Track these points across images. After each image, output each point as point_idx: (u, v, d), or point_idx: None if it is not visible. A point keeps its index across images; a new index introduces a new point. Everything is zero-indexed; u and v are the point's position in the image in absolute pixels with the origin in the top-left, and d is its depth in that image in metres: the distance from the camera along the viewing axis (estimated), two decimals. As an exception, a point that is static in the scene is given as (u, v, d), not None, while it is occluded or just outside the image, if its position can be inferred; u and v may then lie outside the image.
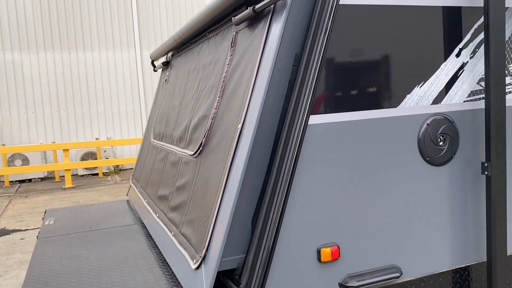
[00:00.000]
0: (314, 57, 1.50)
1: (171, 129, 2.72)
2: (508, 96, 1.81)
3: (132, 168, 14.63)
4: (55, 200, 10.11)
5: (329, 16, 1.50)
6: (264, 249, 1.48)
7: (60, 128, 13.85)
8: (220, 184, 1.60)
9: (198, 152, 1.98)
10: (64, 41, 13.79)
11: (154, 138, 3.16)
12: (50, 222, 3.00)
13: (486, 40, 1.67)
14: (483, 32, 1.74)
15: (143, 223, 2.89)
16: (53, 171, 13.70)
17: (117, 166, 14.21)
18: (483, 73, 1.75)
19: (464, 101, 1.73)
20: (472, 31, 1.74)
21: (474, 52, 1.75)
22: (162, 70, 3.76)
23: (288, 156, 1.49)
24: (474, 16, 1.74)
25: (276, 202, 1.48)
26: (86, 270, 2.03)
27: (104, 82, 14.23)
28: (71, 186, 11.77)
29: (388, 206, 1.63)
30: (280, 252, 1.49)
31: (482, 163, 1.72)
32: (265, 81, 1.51)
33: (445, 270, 1.74)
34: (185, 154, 2.19)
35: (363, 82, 1.58)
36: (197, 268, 1.58)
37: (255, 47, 1.67)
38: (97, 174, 13.79)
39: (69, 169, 11.77)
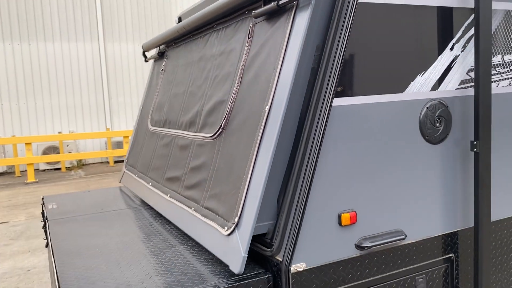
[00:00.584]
0: (337, 49, 1.72)
1: (176, 116, 2.85)
2: (493, 85, 2.10)
3: (96, 163, 14.39)
4: (19, 195, 9.86)
5: (349, 13, 1.72)
6: (294, 215, 1.68)
7: (19, 121, 13.41)
8: (249, 159, 1.78)
9: (217, 134, 2.15)
10: (24, 31, 13.34)
11: (153, 125, 3.27)
12: (54, 206, 3.06)
13: (475, 36, 1.95)
14: (472, 28, 2.02)
15: (146, 205, 3.01)
16: (13, 166, 13.26)
17: (80, 160, 13.94)
18: (473, 64, 2.03)
19: (456, 89, 2.01)
20: (463, 28, 2.01)
21: (464, 47, 2.02)
22: (155, 60, 3.86)
23: (315, 133, 1.70)
24: (464, 15, 2.01)
25: (305, 175, 1.69)
26: (112, 244, 2.16)
27: (66, 74, 13.89)
28: (34, 180, 11.47)
29: (395, 178, 1.88)
30: (308, 218, 1.70)
31: (471, 142, 2.00)
32: (292, 68, 1.71)
33: (439, 234, 2.01)
34: (199, 137, 2.35)
35: (376, 70, 1.81)
36: (230, 234, 1.76)
37: (278, 38, 1.86)
38: (59, 168, 13.48)
39: (32, 164, 11.47)
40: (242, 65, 2.09)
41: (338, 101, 1.73)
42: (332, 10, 1.78)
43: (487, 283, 2.05)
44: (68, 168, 13.54)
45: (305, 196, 1.68)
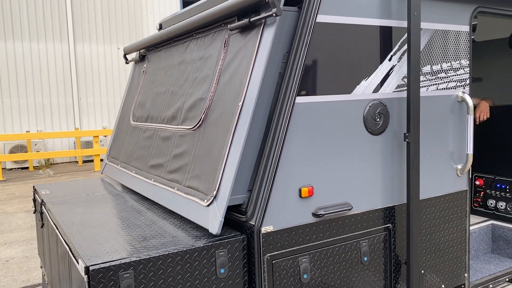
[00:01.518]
0: (299, 58, 2.18)
1: (158, 112, 3.24)
2: (423, 89, 2.62)
3: (64, 162, 14.40)
4: (-13, 192, 9.89)
5: (309, 30, 2.19)
6: (265, 189, 2.13)
7: (-14, 120, 13.30)
8: (225, 144, 2.20)
9: (197, 126, 2.57)
10: (-8, 29, 13.27)
11: (135, 121, 3.64)
12: (47, 192, 3.39)
13: (408, 50, 2.45)
14: (406, 44, 2.52)
15: (130, 191, 3.38)
16: (-22, 165, 13.13)
17: (48, 160, 13.94)
18: (406, 72, 2.54)
19: (393, 91, 2.50)
20: (399, 43, 2.51)
21: (400, 58, 2.52)
22: (136, 63, 4.23)
23: (282, 124, 2.15)
24: (400, 33, 2.52)
25: (273, 158, 2.14)
26: (109, 219, 2.54)
27: (35, 73, 13.87)
28: (2, 179, 11.46)
29: (344, 161, 2.35)
30: (275, 191, 2.15)
31: (404, 134, 2.51)
32: (261, 72, 2.15)
33: (379, 207, 2.49)
34: (181, 129, 2.75)
35: (330, 75, 2.28)
36: (209, 204, 2.18)
37: (249, 47, 2.30)
38: (27, 168, 13.44)
39: (0, 162, 11.45)
40: (219, 69, 2.52)
41: (299, 99, 2.19)
42: (295, 27, 2.25)
43: (416, 248, 2.56)
44: (36, 168, 13.52)
45: (273, 174, 2.13)
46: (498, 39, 4.06)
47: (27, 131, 13.66)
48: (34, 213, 3.67)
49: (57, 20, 14.10)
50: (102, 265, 1.81)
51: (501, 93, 4.23)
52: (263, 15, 2.17)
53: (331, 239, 2.32)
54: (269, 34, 2.18)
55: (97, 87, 14.84)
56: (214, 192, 2.16)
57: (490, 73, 4.35)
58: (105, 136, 14.47)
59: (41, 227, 3.23)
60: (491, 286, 3.13)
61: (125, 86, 15.29)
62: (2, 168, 13.21)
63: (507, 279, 3.24)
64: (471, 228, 3.58)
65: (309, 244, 2.25)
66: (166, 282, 1.94)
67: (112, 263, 1.83)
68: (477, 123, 3.84)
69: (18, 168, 13.41)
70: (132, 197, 3.13)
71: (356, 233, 2.41)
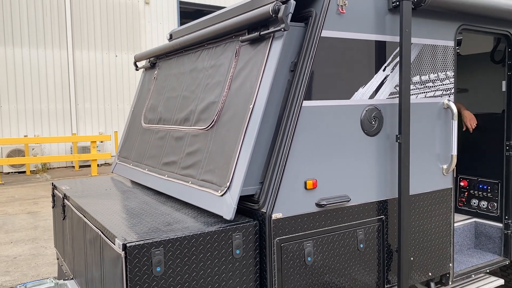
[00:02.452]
0: (305, 68, 2.50)
1: (170, 114, 3.53)
2: (413, 96, 2.96)
3: (61, 167, 14.56)
4: (-13, 195, 10.05)
5: (314, 43, 2.52)
6: (275, 181, 2.43)
7: (-16, 124, 13.46)
8: (238, 141, 2.50)
9: (210, 126, 2.86)
10: (-8, 35, 13.49)
11: (147, 123, 3.93)
12: (67, 188, 3.65)
13: (400, 62, 2.79)
14: (398, 57, 2.86)
15: (142, 187, 3.65)
16: (-24, 168, 13.26)
17: (45, 164, 14.10)
18: (398, 82, 2.87)
19: (387, 98, 2.83)
20: (392, 55, 2.85)
21: (393, 69, 2.86)
22: (146, 69, 4.53)
23: (290, 125, 2.46)
24: (393, 47, 2.86)
25: (282, 154, 2.45)
26: (131, 209, 2.82)
27: (34, 79, 14.09)
28: (0, 182, 11.62)
29: (344, 159, 2.67)
30: (284, 183, 2.45)
31: (396, 135, 2.83)
32: (269, 79, 2.46)
33: (374, 200, 2.81)
34: (194, 129, 3.04)
35: (332, 83, 2.61)
36: (223, 194, 2.47)
37: (259, 57, 2.62)
38: (24, 172, 13.59)
39: (-2, 165, 11.61)
40: (231, 76, 2.83)
41: (306, 103, 2.51)
42: (302, 40, 2.58)
43: (406, 238, 2.88)
44: (32, 172, 13.67)
45: (283, 168, 2.44)
46: (482, 53, 4.43)
47: (25, 136, 13.84)
48: (53, 207, 3.93)
49: (57, 27, 14.36)
50: (137, 243, 2.10)
51: (484, 102, 4.60)
52: (272, 29, 2.49)
53: (332, 227, 2.63)
54: (277, 46, 2.50)
55: (94, 94, 15.08)
56: (228, 183, 2.46)
57: (474, 84, 4.72)
58: (101, 141, 14.68)
59: (63, 219, 3.49)
60: (473, 275, 3.45)
61: (122, 93, 15.55)
62: (0, 172, 13.38)
63: (487, 270, 3.56)
64: (456, 225, 3.91)
65: (313, 231, 2.56)
66: (190, 260, 2.23)
67: (146, 241, 2.12)
68: (471, 132, 4.18)
69: (15, 172, 13.56)
70: (147, 192, 3.41)
71: (353, 222, 2.72)
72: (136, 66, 4.57)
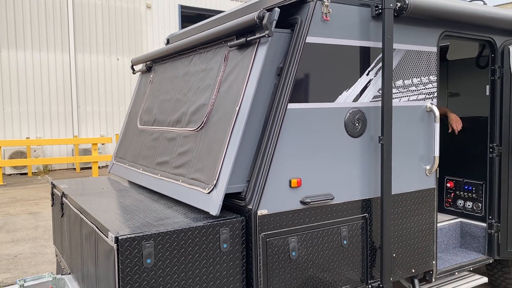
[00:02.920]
0: (291, 71, 2.64)
1: (164, 116, 3.66)
2: (396, 100, 3.09)
3: (62, 169, 14.73)
4: (-11, 196, 10.20)
5: (299, 49, 2.66)
6: (261, 179, 2.57)
7: (-13, 126, 13.64)
8: (224, 142, 2.63)
9: (200, 128, 3.00)
10: (-4, 38, 13.69)
11: (142, 125, 4.07)
12: (66, 186, 3.79)
13: (382, 67, 2.93)
14: (381, 62, 3.00)
15: (138, 186, 3.79)
16: (-22, 170, 13.42)
17: (46, 166, 14.26)
18: (380, 86, 3.01)
19: (370, 101, 2.97)
20: (375, 61, 2.98)
21: (376, 73, 2.99)
22: (142, 73, 4.67)
23: (276, 126, 2.60)
24: (377, 52, 2.99)
25: (268, 153, 2.58)
26: (126, 206, 2.95)
27: (36, 82, 14.28)
28: (2, 183, 11.77)
29: (328, 159, 2.80)
30: (269, 181, 2.58)
31: (379, 136, 2.96)
32: (254, 82, 2.60)
33: (358, 199, 2.94)
34: (185, 130, 3.17)
35: (317, 87, 2.74)
36: (210, 192, 2.60)
37: (246, 62, 2.75)
38: (25, 173, 13.75)
39: (0, 167, 11.78)
40: (219, 79, 2.97)
41: (291, 106, 2.65)
42: (289, 45, 2.72)
43: (389, 235, 3.01)
44: (34, 174, 13.84)
45: (268, 167, 2.58)
46: (469, 58, 4.57)
47: (27, 138, 14.01)
48: (52, 206, 4.07)
49: (59, 31, 14.56)
50: (129, 236, 2.23)
51: (472, 106, 4.73)
52: (257, 35, 2.63)
53: (316, 223, 2.76)
54: (262, 51, 2.64)
55: (96, 96, 15.26)
56: (214, 181, 2.59)
57: (463, 88, 4.85)
58: (102, 144, 14.84)
59: (61, 216, 3.63)
60: (456, 273, 3.57)
61: (124, 96, 15.72)
62: (2, 174, 13.52)
63: (471, 268, 3.68)
64: (442, 224, 4.04)
65: (297, 227, 2.69)
66: (179, 253, 2.36)
67: (137, 235, 2.25)
68: (456, 134, 4.31)
69: (17, 173, 13.72)
70: (142, 191, 3.55)
71: (337, 219, 2.85)
72: (133, 69, 4.71)
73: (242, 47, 2.82)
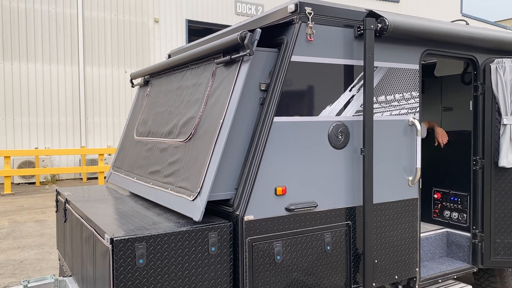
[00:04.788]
0: (276, 88, 2.86)
1: (158, 128, 3.86)
2: (379, 114, 3.28)
3: (69, 179, 15.02)
4: (-2, 204, 10.47)
5: (284, 67, 2.87)
6: (248, 187, 2.76)
7: (-3, 136, 13.99)
8: (209, 152, 2.82)
9: (188, 139, 3.19)
10: (8, 51, 14.11)
11: (138, 136, 4.27)
12: (69, 193, 4.01)
13: (363, 84, 3.13)
14: (363, 79, 3.20)
15: (132, 194, 3.98)
16: (-12, 178, 13.74)
17: (54, 176, 14.56)
18: (362, 101, 3.21)
19: (353, 115, 3.16)
20: (358, 78, 3.19)
21: (358, 89, 3.20)
22: (140, 86, 4.90)
23: (262, 138, 2.80)
24: (359, 70, 3.20)
25: (255, 163, 2.79)
26: (130, 210, 3.16)
27: (46, 93, 14.65)
28: (11, 192, 12.06)
29: (312, 169, 2.99)
30: (256, 189, 2.78)
31: (361, 148, 3.16)
32: (237, 97, 2.79)
33: (341, 207, 3.12)
34: (175, 141, 3.36)
35: (302, 101, 2.95)
36: (194, 199, 2.78)
37: (230, 77, 2.94)
38: (34, 183, 14.05)
39: (9, 176, 12.07)
40: (207, 94, 3.16)
41: (277, 119, 2.85)
42: (275, 63, 2.93)
43: (370, 242, 3.18)
44: (42, 183, 14.13)
45: (255, 176, 2.77)
46: (456, 74, 4.76)
47: (36, 148, 14.33)
48: (56, 212, 4.29)
49: (69, 44, 14.97)
50: (123, 237, 2.43)
51: (461, 120, 4.91)
52: (241, 53, 2.83)
53: (300, 229, 2.94)
54: (245, 68, 2.83)
55: (103, 108, 15.60)
56: (198, 189, 2.76)
57: (453, 102, 5.03)
58: (109, 154, 15.12)
59: (64, 222, 3.85)
60: (440, 280, 3.72)
61: (130, 107, 16.04)
62: (10, 183, 13.83)
63: (454, 276, 3.83)
64: (428, 234, 4.19)
65: (282, 232, 2.87)
66: (170, 254, 2.56)
67: (130, 237, 2.45)
68: (442, 147, 4.49)
69: (25, 183, 14.02)
70: (139, 198, 3.75)
71: (321, 226, 3.03)
72: (132, 83, 4.93)
73: (227, 64, 3.02)
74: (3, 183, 13.65)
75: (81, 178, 14.97)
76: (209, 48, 3.16)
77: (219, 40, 3.01)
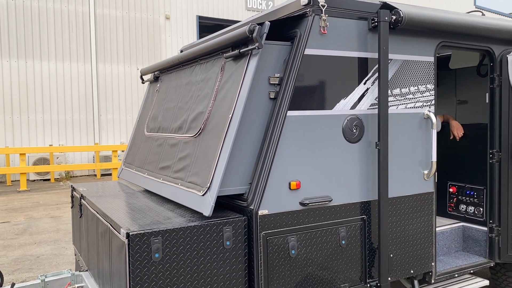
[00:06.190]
0: (290, 81, 2.84)
1: (168, 124, 3.86)
2: (394, 107, 3.25)
3: (83, 175, 15.17)
4: (14, 201, 10.62)
5: (298, 60, 2.85)
6: (262, 181, 2.76)
7: (12, 134, 14.19)
8: (218, 147, 2.81)
9: (197, 134, 3.18)
10: (22, 49, 14.27)
11: (148, 132, 4.28)
12: (84, 189, 4.05)
13: (378, 76, 3.10)
14: (377, 72, 3.17)
15: (145, 190, 3.99)
16: (4, 175, 13.95)
17: (68, 172, 14.72)
18: (377, 94, 3.17)
19: (367, 109, 3.13)
20: (372, 70, 3.15)
21: (373, 82, 3.16)
22: (151, 82, 4.90)
23: (276, 132, 2.79)
24: (374, 63, 3.16)
25: (269, 158, 2.78)
26: (144, 205, 3.17)
27: (59, 91, 14.80)
28: (26, 189, 12.22)
29: (326, 163, 2.97)
30: (270, 183, 2.77)
31: (376, 142, 3.13)
32: (246, 91, 2.76)
33: (356, 201, 3.10)
34: (185, 137, 3.36)
35: (315, 95, 2.93)
36: (204, 194, 2.77)
37: (239, 72, 2.92)
38: (48, 179, 14.23)
39: (25, 173, 12.23)
40: (216, 89, 3.14)
41: (290, 113, 2.84)
42: (288, 57, 2.91)
43: (386, 237, 3.15)
44: (56, 180, 14.30)
45: (269, 170, 2.77)
46: (472, 67, 4.68)
47: (50, 145, 14.50)
48: (71, 207, 4.33)
49: (81, 42, 15.08)
50: (138, 232, 2.44)
51: (476, 112, 4.83)
52: (249, 47, 2.81)
53: (314, 224, 2.93)
54: (253, 62, 2.80)
55: (116, 105, 15.71)
56: (208, 184, 2.75)
57: (468, 95, 4.96)
58: (122, 151, 15.23)
59: (80, 217, 3.88)
60: (456, 275, 3.68)
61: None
62: (26, 180, 14.02)
63: (471, 271, 3.78)
64: (444, 228, 4.15)
65: (297, 227, 2.86)
66: (185, 248, 2.57)
67: (146, 231, 2.46)
68: (457, 140, 4.44)
69: (40, 179, 14.20)
70: (151, 194, 3.77)
71: (336, 221, 3.02)
72: (142, 79, 4.93)
73: (236, 58, 3.00)
74: (19, 180, 13.85)
75: (95, 175, 15.11)
76: (218, 43, 3.14)
77: (228, 34, 3.00)
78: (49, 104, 14.67)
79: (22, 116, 14.33)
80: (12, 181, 14.11)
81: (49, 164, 13.80)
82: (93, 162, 15.08)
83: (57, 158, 14.20)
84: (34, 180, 14.11)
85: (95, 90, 15.25)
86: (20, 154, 12.07)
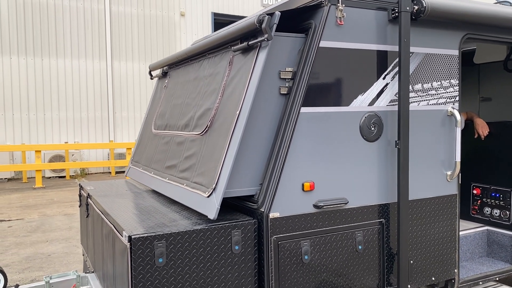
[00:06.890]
0: (304, 75, 2.66)
1: (175, 121, 3.71)
2: (415, 104, 3.04)
3: (98, 173, 15.21)
4: (29, 198, 10.66)
5: (312, 53, 2.67)
6: (273, 183, 2.59)
7: (28, 131, 14.28)
8: (225, 146, 2.64)
9: (204, 132, 3.02)
10: (38, 47, 14.34)
11: (156, 129, 4.14)
12: (92, 188, 3.94)
13: (399, 71, 2.89)
14: (398, 66, 2.96)
15: (150, 189, 3.85)
16: (20, 172, 14.06)
17: (83, 170, 14.77)
18: (397, 90, 2.97)
19: (386, 105, 2.94)
20: (392, 65, 2.95)
21: (393, 77, 2.96)
22: (159, 78, 4.76)
23: (289, 130, 2.62)
24: (393, 56, 2.96)
25: (281, 157, 2.60)
26: (150, 206, 3.04)
27: (75, 88, 14.84)
28: (41, 186, 12.27)
29: (342, 163, 2.79)
30: (282, 185, 2.60)
31: (396, 141, 2.93)
32: (254, 86, 2.59)
33: (374, 204, 2.90)
34: (192, 134, 3.20)
35: (331, 90, 2.75)
36: (209, 196, 2.61)
37: (247, 66, 2.75)
38: (64, 176, 14.29)
39: (40, 170, 12.28)
40: (224, 84, 2.97)
41: (304, 109, 2.66)
42: (301, 48, 2.73)
43: (406, 241, 2.95)
44: (72, 177, 14.35)
45: (280, 170, 2.59)
46: (498, 61, 4.43)
47: (66, 142, 14.56)
48: (79, 206, 4.23)
49: (97, 40, 15.10)
50: (141, 235, 2.30)
51: (502, 110, 4.58)
52: (259, 39, 2.63)
53: (329, 227, 2.75)
54: (263, 55, 2.62)
55: (131, 102, 15.70)
56: (214, 185, 2.58)
57: (493, 92, 4.71)
58: (137, 148, 15.22)
59: (86, 217, 3.77)
60: (480, 282, 3.45)
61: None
62: (42, 176, 14.10)
63: (496, 278, 3.56)
64: (468, 232, 3.92)
65: (310, 231, 2.69)
66: (191, 253, 2.41)
67: (149, 234, 2.32)
68: (482, 139, 4.20)
69: (55, 176, 14.27)
70: (158, 194, 3.63)
71: (352, 224, 2.83)
72: (151, 75, 4.79)
73: (245, 51, 2.83)
74: (34, 177, 13.93)
75: (110, 172, 15.13)
76: (226, 35, 2.97)
77: (236, 25, 2.82)
78: (64, 102, 14.73)
79: (38, 113, 14.42)
80: (28, 178, 14.21)
81: (64, 162, 13.85)
82: (108, 159, 15.10)
83: (72, 155, 14.25)
84: (50, 177, 14.19)
85: (110, 88, 15.26)
86: (36, 151, 12.12)
